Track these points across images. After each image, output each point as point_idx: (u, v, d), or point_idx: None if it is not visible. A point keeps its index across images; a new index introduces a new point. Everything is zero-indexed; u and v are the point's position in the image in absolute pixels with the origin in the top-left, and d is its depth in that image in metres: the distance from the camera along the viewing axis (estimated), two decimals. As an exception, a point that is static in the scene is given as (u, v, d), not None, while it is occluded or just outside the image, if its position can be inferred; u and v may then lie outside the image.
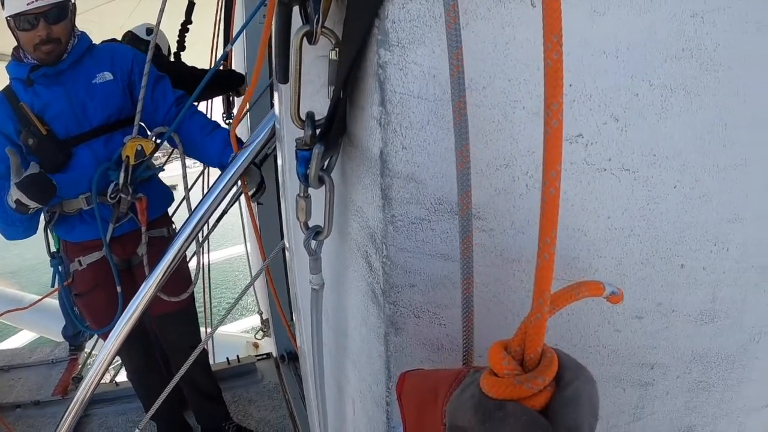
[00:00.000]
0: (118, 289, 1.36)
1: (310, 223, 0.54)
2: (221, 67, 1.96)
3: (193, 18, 1.97)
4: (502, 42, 0.43)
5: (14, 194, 1.18)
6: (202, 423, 1.70)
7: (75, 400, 0.98)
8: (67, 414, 1.02)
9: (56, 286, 1.47)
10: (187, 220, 0.71)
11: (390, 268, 0.47)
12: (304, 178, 0.49)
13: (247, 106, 1.51)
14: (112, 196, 1.29)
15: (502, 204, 0.45)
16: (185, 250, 0.76)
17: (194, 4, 1.98)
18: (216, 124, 1.41)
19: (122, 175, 1.25)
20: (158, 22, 1.31)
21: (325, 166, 0.52)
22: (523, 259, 0.47)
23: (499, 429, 0.32)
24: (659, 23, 0.44)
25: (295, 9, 0.50)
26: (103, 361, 0.91)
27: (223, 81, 1.90)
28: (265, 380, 1.95)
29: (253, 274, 1.43)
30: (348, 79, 0.47)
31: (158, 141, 1.30)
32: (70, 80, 1.30)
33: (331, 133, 0.48)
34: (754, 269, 0.54)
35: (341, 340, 0.64)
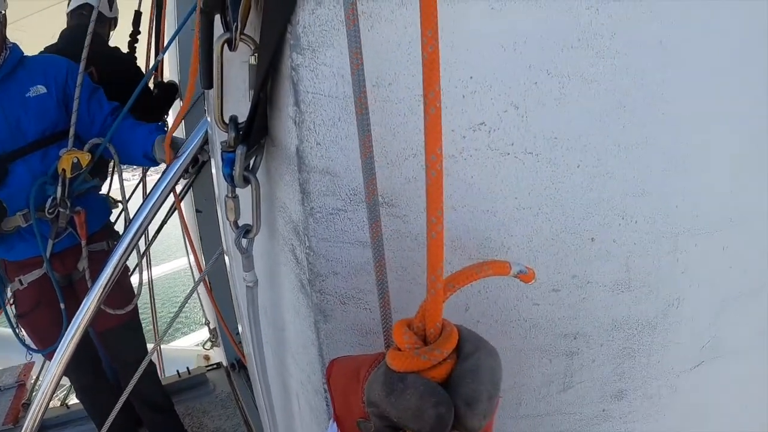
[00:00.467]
0: (62, 306, 1.34)
1: (240, 222, 0.57)
2: (156, 78, 1.91)
3: (143, 27, 1.94)
4: (405, 41, 0.45)
5: None
6: None
7: (24, 428, 0.97)
8: None
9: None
10: (125, 231, 0.72)
11: (313, 258, 0.50)
12: (230, 179, 0.52)
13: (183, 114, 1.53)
14: (50, 210, 1.26)
15: (413, 191, 0.48)
16: (125, 261, 0.77)
17: (141, 13, 1.95)
18: (141, 123, 1.39)
19: (59, 189, 1.23)
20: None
21: (250, 166, 0.55)
22: (427, 239, 0.50)
23: (400, 399, 0.34)
24: (555, 16, 0.47)
25: (219, 18, 0.53)
26: (51, 381, 0.91)
27: (167, 93, 1.83)
28: (217, 390, 1.96)
29: (212, 296, 1.43)
30: (265, 82, 0.49)
31: (94, 153, 1.28)
32: (3, 94, 1.27)
33: (252, 134, 0.51)
34: (664, 239, 0.58)
35: (280, 335, 0.67)
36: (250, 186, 0.54)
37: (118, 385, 1.59)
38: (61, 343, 0.87)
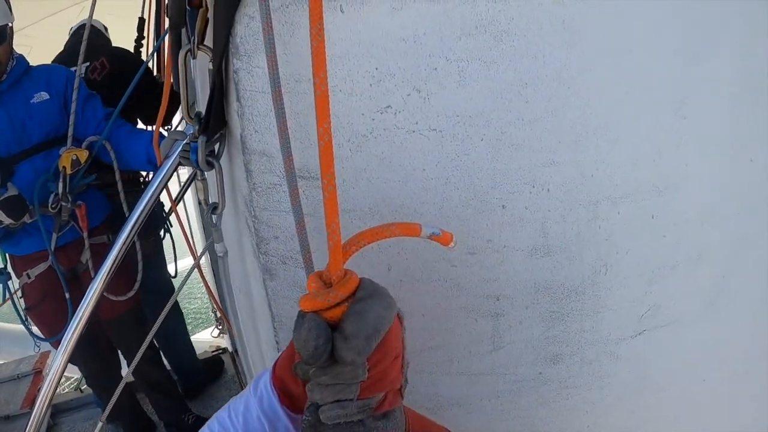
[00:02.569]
0: (66, 295, 1.45)
1: (210, 201, 0.70)
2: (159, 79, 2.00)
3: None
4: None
5: None
6: (163, 418, 1.84)
7: (36, 408, 1.08)
8: (29, 425, 1.10)
9: (4, 302, 1.54)
10: (128, 219, 0.83)
11: (258, 224, 0.61)
12: (196, 164, 0.65)
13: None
14: (53, 206, 1.37)
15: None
16: (123, 254, 0.86)
17: (145, 20, 2.05)
18: (143, 130, 1.50)
19: (60, 184, 1.34)
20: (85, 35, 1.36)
21: (216, 153, 0.67)
22: (356, 209, 0.59)
23: (297, 333, 0.41)
24: (453, 9, 0.55)
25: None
26: (58, 366, 1.02)
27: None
28: (224, 374, 2.11)
29: (207, 279, 1.57)
30: (217, 83, 0.61)
31: (91, 150, 1.41)
32: (9, 101, 1.39)
33: (211, 126, 0.63)
34: (582, 207, 0.63)
35: (250, 302, 0.79)
36: (215, 169, 0.67)
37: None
38: (67, 330, 0.99)
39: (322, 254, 0.54)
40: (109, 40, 1.94)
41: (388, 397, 0.45)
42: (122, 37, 2.15)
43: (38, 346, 2.19)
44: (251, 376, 1.03)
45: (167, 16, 0.70)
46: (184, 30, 0.66)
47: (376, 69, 0.55)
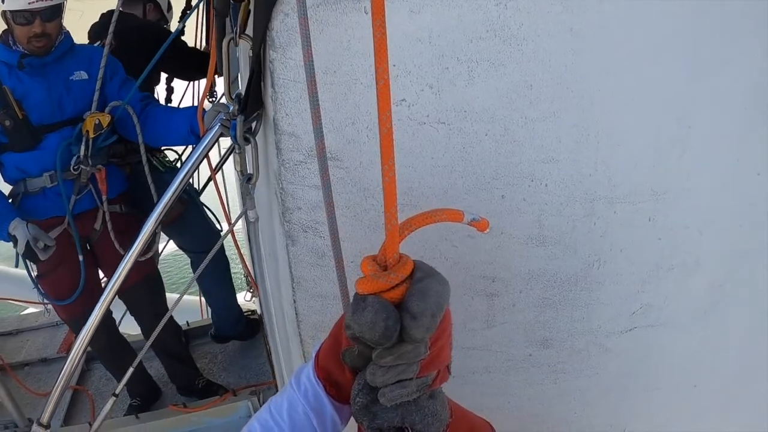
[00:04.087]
0: (80, 257, 1.55)
1: (246, 172, 0.82)
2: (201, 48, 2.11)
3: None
4: (346, 40, 0.64)
5: (20, 246, 1.42)
6: (176, 382, 1.95)
7: (72, 354, 1.22)
8: (65, 367, 1.23)
9: (19, 266, 1.62)
10: (173, 180, 0.94)
11: (284, 196, 0.72)
12: (235, 139, 0.77)
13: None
14: (75, 167, 1.47)
15: (352, 150, 0.67)
16: (159, 223, 0.97)
17: (191, 2, 2.11)
18: (179, 107, 1.60)
19: (83, 147, 1.44)
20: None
21: (252, 130, 0.79)
22: (370, 187, 0.69)
23: (360, 316, 0.42)
24: (466, 14, 0.63)
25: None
26: (96, 317, 1.14)
27: (187, 57, 1.99)
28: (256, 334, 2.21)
29: (239, 249, 1.68)
30: (255, 69, 0.72)
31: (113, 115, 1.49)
32: (51, 73, 1.48)
33: (248, 106, 0.74)
34: (578, 203, 0.69)
35: (275, 265, 0.91)
36: (251, 144, 0.79)
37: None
38: (107, 285, 1.09)
39: (341, 226, 0.64)
40: (163, 18, 2.10)
41: (440, 374, 0.48)
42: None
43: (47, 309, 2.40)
44: (272, 336, 1.17)
45: (213, 7, 0.81)
46: (228, 20, 0.77)
47: (394, 66, 0.64)
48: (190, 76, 2.21)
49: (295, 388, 0.55)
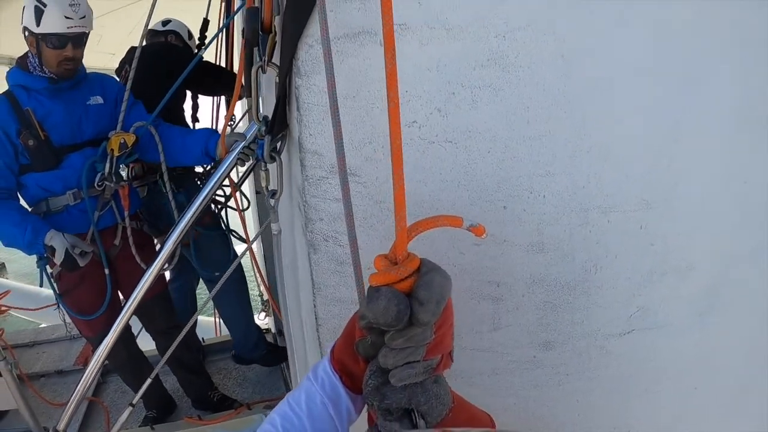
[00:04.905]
0: (106, 271, 1.66)
1: (270, 187, 0.92)
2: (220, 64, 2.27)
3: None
4: (363, 69, 0.75)
5: (58, 254, 1.51)
6: (190, 394, 2.02)
7: (91, 364, 1.30)
8: (83, 379, 1.30)
9: (45, 286, 1.70)
10: (184, 212, 1.03)
11: (307, 208, 0.81)
12: (262, 157, 0.87)
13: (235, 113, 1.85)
14: (99, 184, 1.59)
15: (370, 167, 0.77)
16: (182, 236, 1.06)
17: (209, 21, 2.29)
18: (194, 129, 1.71)
19: (107, 165, 1.55)
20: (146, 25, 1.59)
21: (278, 149, 0.89)
22: (385, 201, 0.78)
23: (374, 304, 0.49)
24: (470, 45, 0.73)
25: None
26: (115, 331, 1.23)
27: (211, 75, 2.11)
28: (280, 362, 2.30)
29: (257, 266, 1.73)
30: (282, 94, 0.83)
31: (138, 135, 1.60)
32: (70, 97, 1.62)
33: (275, 128, 0.85)
34: (574, 213, 0.77)
35: (296, 275, 1.00)
36: (276, 162, 0.89)
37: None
38: (130, 299, 1.16)
39: (358, 236, 0.73)
40: (184, 46, 2.28)
41: (443, 360, 0.55)
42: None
43: (66, 322, 2.39)
44: (290, 347, 1.25)
45: (243, 38, 0.93)
46: (256, 49, 0.89)
47: (406, 91, 0.74)
48: (213, 92, 2.36)
49: (313, 381, 0.60)
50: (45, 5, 1.51)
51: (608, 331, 0.84)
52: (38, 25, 1.52)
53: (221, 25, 2.13)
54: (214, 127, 2.46)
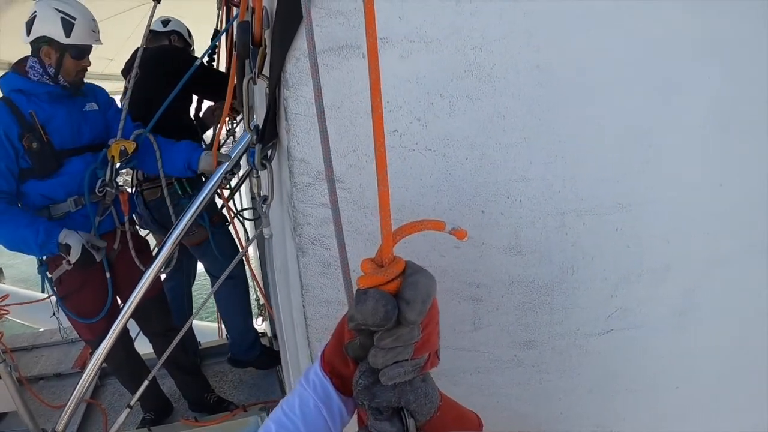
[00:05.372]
0: (107, 275, 1.75)
1: (262, 194, 0.98)
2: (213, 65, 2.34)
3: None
4: (348, 80, 0.81)
5: (74, 251, 1.60)
6: (187, 397, 2.10)
7: (90, 366, 1.37)
8: (81, 383, 1.35)
9: (46, 291, 1.79)
10: (180, 218, 1.10)
11: (295, 213, 0.87)
12: (254, 164, 0.93)
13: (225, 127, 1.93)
14: (100, 190, 1.69)
15: (353, 173, 0.83)
16: (178, 241, 1.14)
17: (219, 31, 2.39)
18: (179, 142, 1.80)
19: (108, 171, 1.66)
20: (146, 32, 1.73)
21: (268, 156, 0.96)
22: (369, 206, 0.84)
23: (363, 305, 0.51)
24: (447, 57, 0.79)
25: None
26: (113, 334, 1.30)
27: (209, 78, 2.19)
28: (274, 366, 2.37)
29: (252, 270, 1.80)
30: (272, 105, 0.90)
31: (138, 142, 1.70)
32: (69, 103, 1.73)
33: (266, 136, 0.91)
34: (550, 216, 0.83)
35: (287, 277, 1.06)
36: (267, 169, 0.95)
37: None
38: (129, 301, 1.23)
39: (345, 239, 0.79)
40: (186, 45, 2.36)
41: (431, 358, 0.57)
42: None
43: (62, 326, 2.58)
44: (283, 348, 1.31)
45: (235, 50, 1.00)
46: (247, 62, 0.95)
47: (387, 102, 0.80)
48: (217, 96, 2.44)
49: (305, 385, 0.63)
50: (75, 18, 1.65)
51: (587, 330, 0.89)
52: (68, 36, 1.64)
53: (220, 32, 2.22)
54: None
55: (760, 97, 0.85)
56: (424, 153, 0.81)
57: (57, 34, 1.64)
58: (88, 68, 1.75)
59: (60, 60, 1.67)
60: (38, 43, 1.66)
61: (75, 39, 1.63)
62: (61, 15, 1.63)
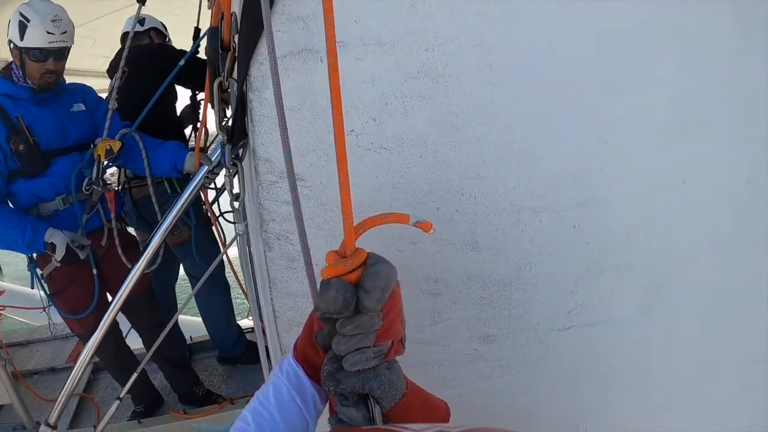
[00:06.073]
0: (94, 271, 1.87)
1: (234, 191, 1.06)
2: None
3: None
4: (307, 82, 0.88)
5: (59, 250, 1.70)
6: (177, 390, 2.22)
7: (81, 358, 1.49)
8: (71, 376, 1.49)
9: (36, 288, 1.91)
10: (163, 218, 1.19)
11: (261, 210, 0.95)
12: (225, 164, 1.01)
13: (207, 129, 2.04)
14: (86, 188, 1.79)
15: (314, 172, 0.90)
16: (162, 242, 1.23)
17: (200, 30, 2.44)
18: (164, 142, 1.90)
19: (94, 170, 1.76)
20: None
21: (240, 156, 1.04)
22: (329, 203, 0.91)
23: (325, 295, 0.56)
24: (401, 59, 0.85)
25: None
26: (101, 329, 1.41)
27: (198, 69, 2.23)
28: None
29: (233, 268, 1.88)
30: (240, 106, 0.97)
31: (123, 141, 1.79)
32: (54, 105, 1.83)
33: (235, 137, 0.99)
34: (505, 213, 0.88)
35: (261, 272, 1.14)
36: (238, 168, 1.03)
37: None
38: (116, 298, 1.34)
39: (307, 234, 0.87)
40: (164, 39, 2.47)
41: (394, 345, 0.62)
42: (181, 38, 2.70)
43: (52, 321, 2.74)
44: (260, 339, 1.40)
45: (206, 54, 1.08)
46: (217, 65, 1.03)
47: (344, 103, 0.87)
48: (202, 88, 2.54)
49: (279, 375, 0.68)
50: (29, 20, 1.71)
51: (548, 326, 0.94)
52: (22, 39, 1.73)
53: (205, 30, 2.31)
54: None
55: (721, 92, 0.89)
56: (380, 152, 0.87)
57: (14, 37, 1.73)
58: (60, 71, 1.80)
59: (22, 63, 1.76)
60: (10, 46, 1.78)
61: (27, 41, 1.70)
62: (20, 18, 1.71)
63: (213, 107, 1.05)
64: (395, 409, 0.60)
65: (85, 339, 2.03)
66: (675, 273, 0.96)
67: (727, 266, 0.96)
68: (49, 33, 1.72)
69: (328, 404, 0.69)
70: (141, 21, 2.40)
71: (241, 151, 1.03)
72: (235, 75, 1.01)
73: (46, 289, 1.93)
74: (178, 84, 2.33)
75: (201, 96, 2.59)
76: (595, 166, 0.88)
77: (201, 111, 2.58)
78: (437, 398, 0.70)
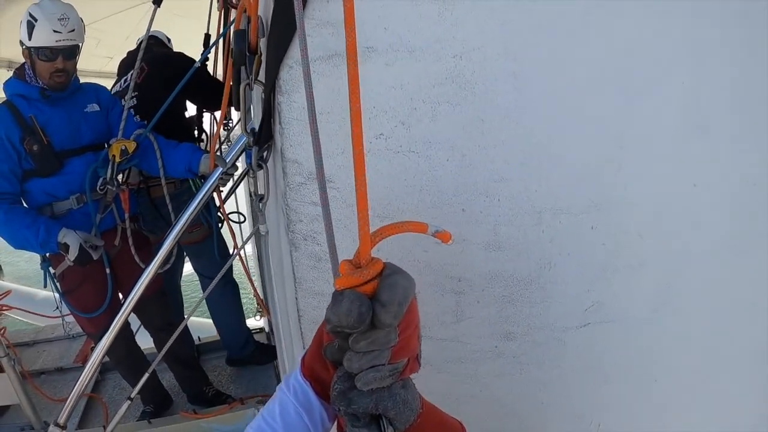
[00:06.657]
0: (107, 270, 1.93)
1: (258, 193, 1.12)
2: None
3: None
4: (336, 88, 0.94)
5: (73, 250, 1.75)
6: (186, 390, 2.29)
7: (92, 359, 1.52)
8: (82, 376, 1.51)
9: (49, 287, 1.97)
10: (177, 219, 1.25)
11: (288, 211, 1.01)
12: (250, 165, 1.07)
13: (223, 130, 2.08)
14: (101, 188, 1.85)
15: (343, 174, 0.97)
16: (175, 242, 1.29)
17: (210, 36, 2.57)
18: (179, 143, 1.96)
19: (109, 170, 1.81)
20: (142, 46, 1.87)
21: (264, 158, 1.10)
22: (356, 205, 0.97)
23: (338, 307, 0.53)
24: (429, 65, 0.91)
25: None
26: (113, 329, 1.45)
27: (207, 88, 2.35)
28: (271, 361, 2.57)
29: (246, 269, 1.96)
30: (266, 109, 1.03)
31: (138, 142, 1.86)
32: (68, 105, 1.89)
33: (261, 139, 1.05)
34: (527, 214, 0.95)
35: (281, 271, 1.20)
36: (263, 170, 1.09)
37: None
38: (129, 298, 1.39)
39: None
40: (169, 50, 2.54)
41: (410, 363, 0.59)
42: (186, 37, 2.76)
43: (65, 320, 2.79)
44: (279, 340, 1.46)
45: (231, 58, 1.13)
46: (243, 68, 1.09)
47: (374, 107, 0.93)
48: (206, 105, 2.60)
49: (286, 391, 0.66)
50: (36, 20, 1.76)
51: (565, 324, 1.01)
52: (30, 39, 1.78)
53: (218, 36, 2.37)
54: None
55: (732, 97, 0.96)
56: (408, 155, 0.94)
57: (24, 37, 1.78)
58: (71, 70, 1.85)
59: (32, 63, 1.81)
60: (21, 47, 1.83)
61: (35, 41, 1.75)
62: (28, 18, 1.76)
63: (238, 109, 1.11)
64: (409, 430, 0.58)
65: (96, 338, 2.09)
66: (687, 272, 1.03)
67: (738, 266, 1.03)
68: (55, 32, 1.77)
69: (336, 423, 0.68)
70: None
71: (265, 153, 1.09)
72: (261, 77, 1.07)
73: (59, 287, 1.98)
74: (185, 97, 2.38)
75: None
76: (612, 169, 0.95)
77: (206, 116, 2.64)
78: (452, 418, 0.68)
